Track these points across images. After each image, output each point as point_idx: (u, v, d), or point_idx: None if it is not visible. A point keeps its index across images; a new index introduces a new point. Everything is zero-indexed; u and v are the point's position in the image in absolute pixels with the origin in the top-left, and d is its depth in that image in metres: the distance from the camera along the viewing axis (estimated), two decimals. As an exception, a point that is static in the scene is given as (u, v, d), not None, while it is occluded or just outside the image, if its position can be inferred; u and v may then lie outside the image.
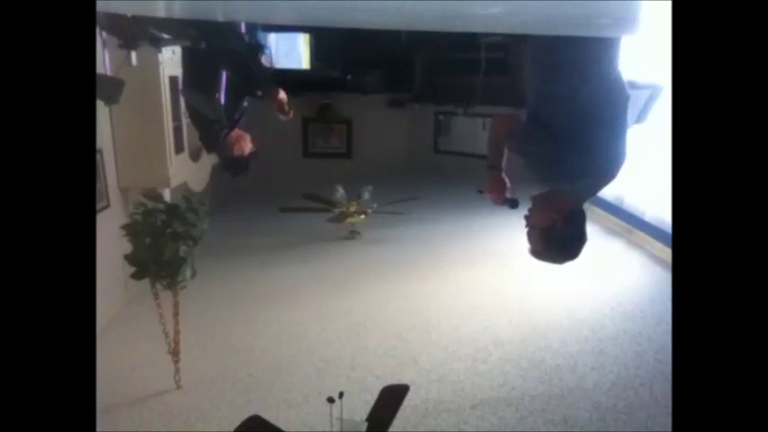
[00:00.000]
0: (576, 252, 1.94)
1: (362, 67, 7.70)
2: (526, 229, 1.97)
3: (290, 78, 6.69)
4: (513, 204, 2.04)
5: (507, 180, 2.05)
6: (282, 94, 3.29)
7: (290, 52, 7.76)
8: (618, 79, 1.86)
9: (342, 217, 5.55)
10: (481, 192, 2.12)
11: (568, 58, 1.79)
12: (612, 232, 5.55)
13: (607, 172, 1.91)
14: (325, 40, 7.66)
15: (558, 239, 1.90)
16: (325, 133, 8.31)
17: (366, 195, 5.62)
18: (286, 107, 3.32)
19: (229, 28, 2.91)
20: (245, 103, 3.33)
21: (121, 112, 3.80)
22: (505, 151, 2.05)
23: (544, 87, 1.88)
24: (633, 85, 4.67)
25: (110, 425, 2.75)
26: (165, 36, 3.18)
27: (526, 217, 1.96)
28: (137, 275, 2.85)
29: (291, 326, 3.80)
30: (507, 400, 2.95)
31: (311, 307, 4.08)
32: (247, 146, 3.20)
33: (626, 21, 1.61)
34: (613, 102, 1.85)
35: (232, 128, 3.19)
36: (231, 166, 3.33)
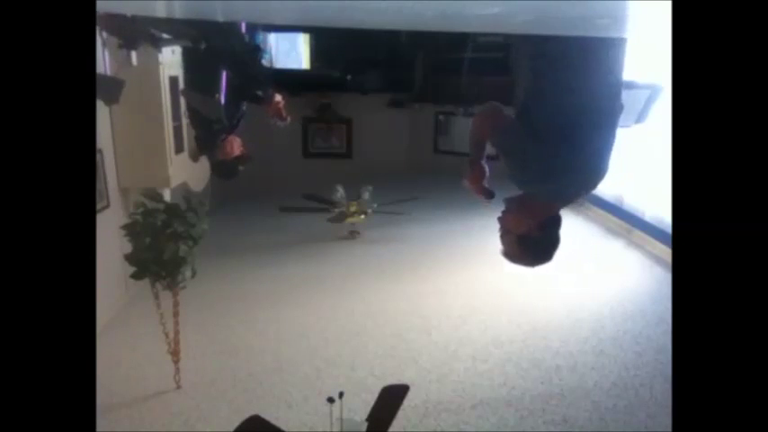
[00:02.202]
0: (550, 256, 1.93)
1: (362, 67, 7.71)
2: (499, 232, 1.94)
3: (289, 78, 6.72)
4: (490, 195, 1.97)
5: (487, 169, 1.98)
6: (278, 98, 3.28)
7: (290, 52, 7.77)
8: (613, 86, 1.81)
9: (342, 217, 5.56)
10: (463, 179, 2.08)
11: (560, 51, 1.74)
12: (612, 232, 5.55)
13: (588, 180, 1.87)
14: (325, 40, 7.66)
15: (533, 245, 1.89)
16: (325, 133, 8.32)
17: (366, 195, 5.62)
18: (283, 113, 3.31)
19: (229, 28, 2.91)
20: (244, 107, 3.34)
21: (121, 112, 3.80)
22: (487, 146, 2.01)
23: (534, 82, 1.84)
24: (633, 85, 4.68)
25: (110, 425, 2.75)
26: (165, 36, 3.18)
27: (500, 219, 1.93)
28: (137, 275, 2.85)
29: (291, 326, 3.80)
30: (507, 400, 2.95)
31: (311, 307, 4.07)
32: (234, 150, 3.20)
33: (626, 21, 1.61)
34: (604, 108, 1.79)
35: (230, 132, 3.19)
36: (220, 170, 3.33)
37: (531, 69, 1.87)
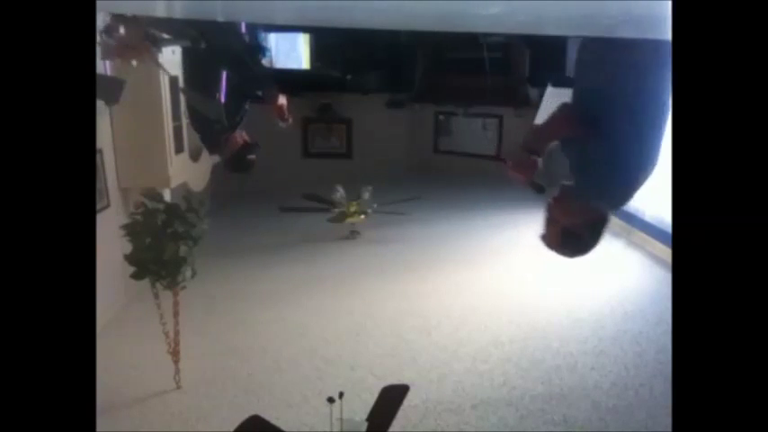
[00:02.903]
0: (588, 252, 1.94)
1: (362, 67, 7.72)
2: (546, 215, 1.92)
3: (290, 78, 6.72)
4: (540, 189, 1.97)
5: (540, 164, 1.97)
6: (282, 100, 3.28)
7: (290, 52, 7.77)
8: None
9: (342, 217, 5.55)
10: (504, 161, 2.02)
11: (627, 58, 1.72)
12: (612, 232, 5.55)
13: (637, 185, 1.86)
14: (325, 40, 7.67)
15: (577, 242, 1.89)
16: (325, 133, 8.32)
17: (366, 195, 5.62)
18: (285, 113, 3.31)
19: (229, 28, 2.91)
20: (247, 106, 3.33)
21: (121, 112, 3.79)
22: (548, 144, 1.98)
23: (599, 87, 1.82)
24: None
25: (110, 425, 2.75)
26: (165, 36, 3.17)
27: (549, 206, 1.91)
28: (137, 275, 2.85)
29: (291, 326, 3.80)
30: (507, 400, 2.95)
31: (311, 307, 4.08)
32: (238, 141, 3.19)
33: (627, 21, 1.61)
34: (660, 110, 1.76)
35: (233, 129, 3.19)
36: (232, 166, 3.34)
37: (594, 75, 1.85)
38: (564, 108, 1.93)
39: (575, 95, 1.95)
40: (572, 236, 1.87)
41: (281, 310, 4.04)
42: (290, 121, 3.35)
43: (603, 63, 1.82)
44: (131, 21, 2.63)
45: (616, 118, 1.76)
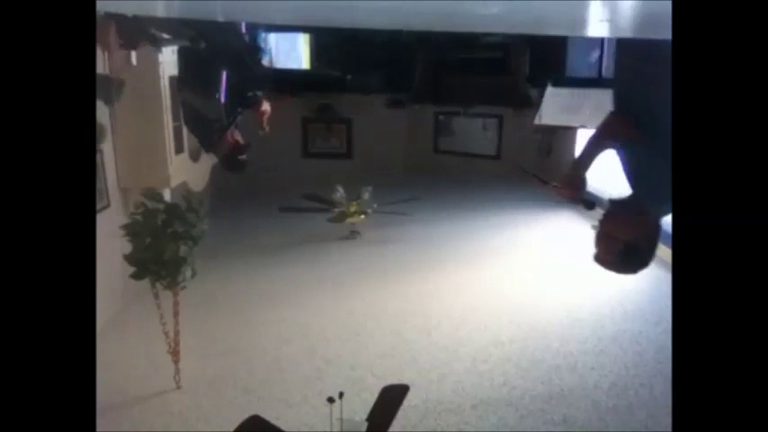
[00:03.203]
0: (649, 264, 1.83)
1: (362, 67, 7.72)
2: (595, 232, 1.83)
3: (290, 78, 6.73)
4: (590, 206, 1.93)
5: (587, 180, 1.92)
6: (266, 107, 3.28)
7: (290, 52, 7.78)
8: None
9: (342, 217, 5.56)
10: (545, 182, 1.97)
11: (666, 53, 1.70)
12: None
13: None
14: (325, 40, 7.67)
15: (639, 256, 1.79)
16: (325, 133, 8.32)
17: (366, 195, 5.62)
18: (264, 122, 3.31)
19: (229, 28, 2.91)
20: (240, 109, 3.34)
21: (121, 112, 3.79)
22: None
23: (644, 87, 1.75)
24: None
25: (110, 425, 2.75)
26: (165, 36, 3.18)
27: (602, 222, 1.83)
28: (137, 275, 2.85)
29: (291, 326, 3.80)
30: (507, 400, 2.95)
31: (311, 307, 4.08)
32: (230, 141, 3.20)
33: (627, 21, 1.62)
34: None
35: (226, 130, 3.20)
36: (227, 165, 3.35)
37: (640, 77, 1.78)
38: (612, 114, 1.85)
39: (617, 99, 1.88)
40: (635, 250, 1.77)
41: (282, 310, 4.04)
42: (268, 129, 3.35)
43: (646, 63, 1.74)
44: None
45: (665, 118, 1.71)
